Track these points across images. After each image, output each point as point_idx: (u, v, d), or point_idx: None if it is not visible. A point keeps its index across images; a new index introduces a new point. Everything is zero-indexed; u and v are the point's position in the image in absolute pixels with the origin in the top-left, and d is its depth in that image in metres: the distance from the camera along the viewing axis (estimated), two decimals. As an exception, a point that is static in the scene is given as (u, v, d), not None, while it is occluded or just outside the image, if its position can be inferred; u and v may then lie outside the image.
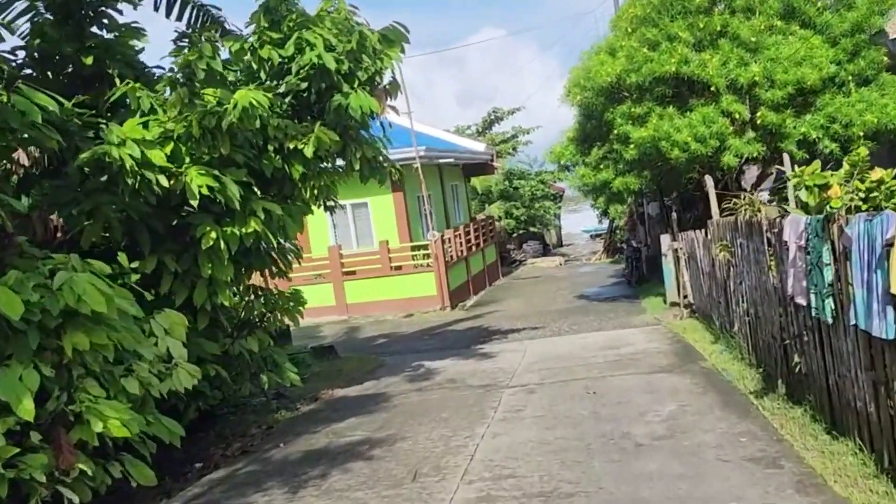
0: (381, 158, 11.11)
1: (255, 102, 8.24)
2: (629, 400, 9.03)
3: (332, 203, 11.53)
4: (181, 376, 7.77)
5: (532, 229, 40.93)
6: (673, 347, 12.28)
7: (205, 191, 8.15)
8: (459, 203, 29.78)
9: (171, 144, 8.54)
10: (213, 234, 8.55)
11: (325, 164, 10.47)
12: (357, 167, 10.69)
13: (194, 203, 8.16)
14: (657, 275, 20.25)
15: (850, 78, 14.89)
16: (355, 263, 22.71)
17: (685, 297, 15.28)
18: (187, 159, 8.59)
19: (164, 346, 7.69)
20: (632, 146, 15.32)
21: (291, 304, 11.21)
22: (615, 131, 15.82)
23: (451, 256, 23.46)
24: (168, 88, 8.64)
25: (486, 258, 28.08)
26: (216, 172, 8.30)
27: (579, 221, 62.49)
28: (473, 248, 26.29)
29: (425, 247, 22.29)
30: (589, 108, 16.67)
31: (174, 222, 9.12)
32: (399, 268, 22.62)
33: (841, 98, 14.74)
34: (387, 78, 11.17)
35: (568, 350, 13.21)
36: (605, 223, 46.15)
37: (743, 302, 9.80)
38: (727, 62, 14.85)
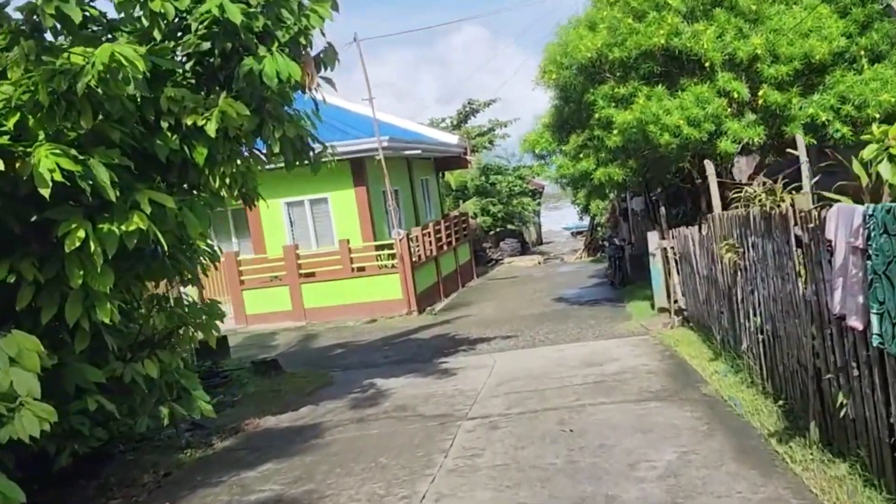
0: (308, 139, 9.10)
1: (122, 60, 6.22)
2: (615, 443, 7.09)
3: (251, 196, 9.43)
4: (25, 421, 5.89)
5: (510, 227, 39.02)
6: (665, 365, 10.39)
7: (58, 176, 6.14)
8: (430, 199, 27.82)
9: (17, 116, 6.55)
10: (81, 233, 6.52)
11: (238, 145, 8.46)
12: (276, 149, 8.68)
13: (45, 192, 6.16)
14: (643, 276, 18.44)
15: (862, 53, 13.05)
16: (314, 265, 20.70)
17: (676, 302, 13.41)
18: (41, 135, 6.61)
19: (6, 380, 5.78)
20: (615, 132, 13.41)
21: (205, 317, 9.17)
22: (596, 115, 13.89)
23: (419, 256, 21.51)
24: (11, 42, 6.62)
25: (459, 258, 26.14)
26: (75, 153, 6.32)
27: (560, 219, 60.94)
28: (445, 246, 24.35)
29: (391, 246, 20.30)
30: (567, 89, 14.72)
31: (33, 218, 7.10)
32: (362, 269, 20.65)
33: (853, 75, 12.88)
34: (320, 44, 9.23)
35: (542, 366, 11.30)
36: (587, 221, 44.57)
37: (755, 315, 7.90)
38: (723, 34, 12.96)
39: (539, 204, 46.34)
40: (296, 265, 20.37)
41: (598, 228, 36.99)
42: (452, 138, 28.39)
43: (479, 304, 21.25)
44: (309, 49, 8.80)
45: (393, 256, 20.29)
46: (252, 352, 16.45)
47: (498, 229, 38.22)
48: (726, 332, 9.58)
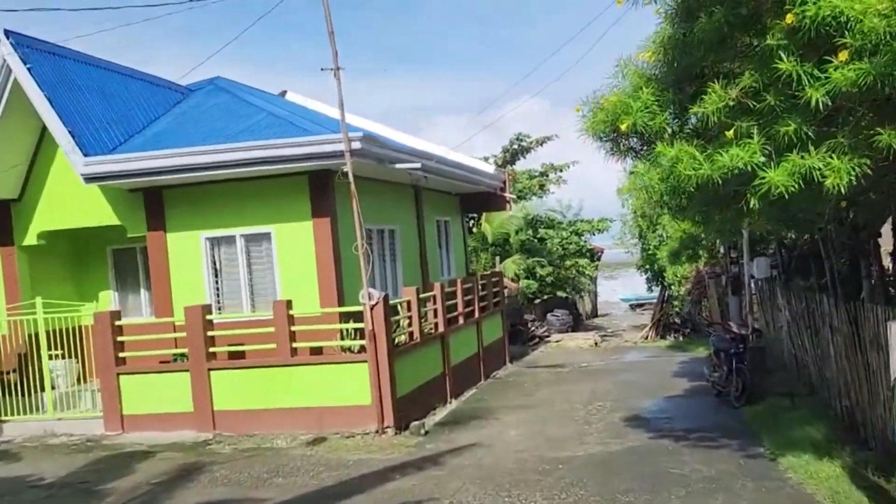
0: None
1: None
2: None
3: None
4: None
5: (560, 294, 30.79)
6: None
7: None
8: (450, 248, 19.83)
9: None
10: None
11: None
12: None
13: None
14: (773, 384, 10.45)
15: None
16: (236, 339, 12.80)
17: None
18: None
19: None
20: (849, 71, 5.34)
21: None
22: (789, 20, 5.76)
23: (411, 335, 13.50)
24: None
25: (485, 335, 17.98)
26: None
27: (615, 290, 53.07)
28: (461, 319, 16.28)
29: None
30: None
31: None
32: (317, 351, 12.68)
33: None
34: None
35: None
36: (647, 291, 36.13)
37: None
38: None
39: (596, 267, 38.00)
40: (202, 339, 12.45)
41: (673, 301, 28.58)
42: (485, 167, 20.45)
43: (503, 419, 13.02)
44: None
45: (359, 334, 12.28)
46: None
47: (545, 297, 30.04)
48: None
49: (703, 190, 7.07)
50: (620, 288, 54.91)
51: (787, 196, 6.07)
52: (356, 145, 11.93)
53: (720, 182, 6.39)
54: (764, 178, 6.09)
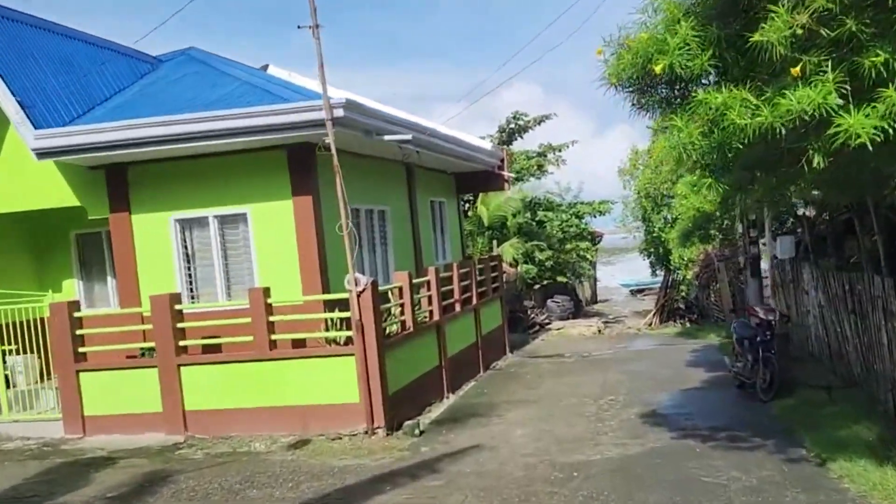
0: None
1: None
2: None
3: None
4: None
5: (560, 279, 29.51)
6: None
7: None
8: (446, 232, 18.55)
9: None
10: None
11: None
12: None
13: None
14: (805, 374, 9.45)
15: None
16: (212, 330, 11.53)
17: None
18: None
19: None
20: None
21: None
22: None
23: (403, 324, 12.24)
24: None
25: (483, 323, 16.73)
26: None
27: (613, 275, 52.08)
28: (457, 306, 15.02)
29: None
30: None
31: None
32: (300, 344, 11.41)
33: None
34: None
35: None
36: (655, 276, 34.80)
37: None
38: None
39: (596, 251, 36.68)
40: (171, 331, 11.16)
41: (679, 286, 27.32)
42: (482, 143, 19.11)
43: (505, 416, 11.78)
44: None
45: (346, 324, 11.01)
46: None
47: (545, 282, 28.76)
48: None
49: (753, 147, 5.81)
50: (619, 273, 53.79)
51: (870, 148, 4.80)
52: (339, 113, 10.60)
53: (782, 132, 5.10)
54: (840, 125, 4.82)
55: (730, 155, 5.85)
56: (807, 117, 4.99)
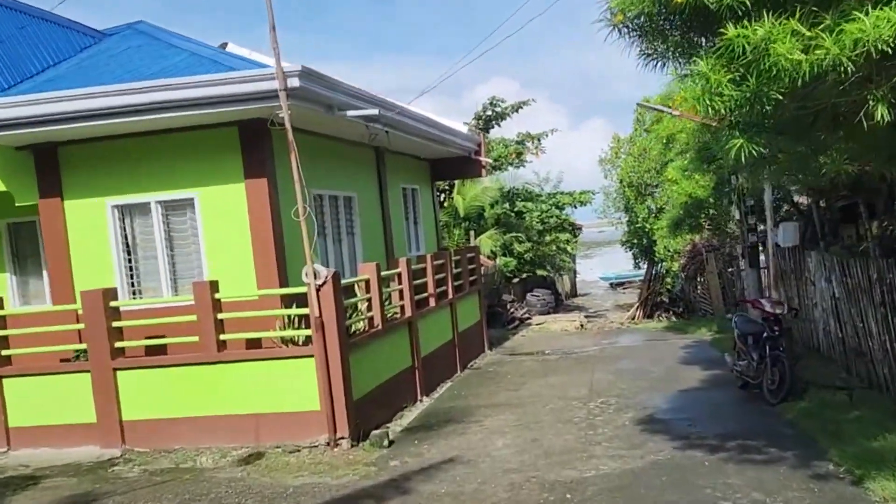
0: None
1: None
2: None
3: None
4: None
5: (540, 272, 28.39)
6: None
7: None
8: (419, 221, 17.28)
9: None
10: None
11: None
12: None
13: None
14: (815, 373, 8.61)
15: None
16: (157, 330, 10.21)
17: None
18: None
19: None
20: None
21: None
22: None
23: (371, 322, 10.98)
24: None
25: (460, 319, 15.49)
26: None
27: (591, 269, 51.49)
28: (432, 300, 13.77)
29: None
30: None
31: None
32: (255, 344, 10.11)
33: None
34: None
35: None
36: (639, 269, 33.74)
37: None
38: None
39: (576, 243, 35.57)
40: (105, 331, 9.81)
41: (664, 278, 26.26)
42: (457, 126, 17.83)
43: (485, 422, 10.55)
44: None
45: (305, 322, 9.72)
46: None
47: (525, 276, 27.62)
48: None
49: (794, 96, 4.64)
50: (597, 267, 53.01)
51: None
52: (294, 83, 9.29)
53: (850, 70, 3.91)
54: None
55: (768, 107, 4.64)
56: (882, 48, 3.79)
